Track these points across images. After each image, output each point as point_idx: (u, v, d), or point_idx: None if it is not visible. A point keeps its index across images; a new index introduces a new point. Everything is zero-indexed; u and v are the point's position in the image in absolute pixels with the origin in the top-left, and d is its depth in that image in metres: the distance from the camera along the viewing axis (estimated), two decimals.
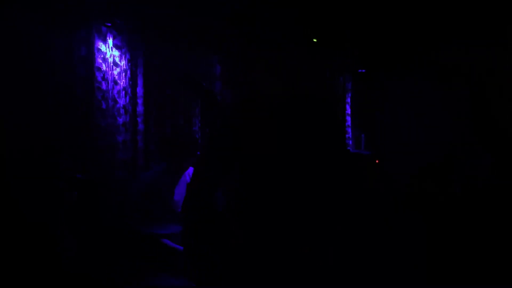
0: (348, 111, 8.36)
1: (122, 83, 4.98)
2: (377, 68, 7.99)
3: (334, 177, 2.18)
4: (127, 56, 5.07)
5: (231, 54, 6.22)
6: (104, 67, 4.77)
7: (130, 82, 5.12)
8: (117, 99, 4.92)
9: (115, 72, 4.90)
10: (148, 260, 4.38)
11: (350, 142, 8.25)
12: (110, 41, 4.86)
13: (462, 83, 7.06)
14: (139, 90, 5.24)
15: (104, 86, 4.78)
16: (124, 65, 5.03)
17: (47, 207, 4.06)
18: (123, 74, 5.01)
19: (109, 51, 4.83)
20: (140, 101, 5.24)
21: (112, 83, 4.86)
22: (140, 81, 5.25)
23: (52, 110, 4.44)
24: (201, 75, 5.99)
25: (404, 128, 7.85)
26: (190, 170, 4.46)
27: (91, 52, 4.67)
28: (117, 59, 4.93)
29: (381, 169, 6.45)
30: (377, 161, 6.37)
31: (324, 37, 6.78)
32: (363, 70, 8.25)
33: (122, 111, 4.98)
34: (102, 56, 4.76)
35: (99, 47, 4.73)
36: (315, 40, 7.17)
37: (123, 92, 5.00)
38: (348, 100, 8.39)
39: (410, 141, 7.67)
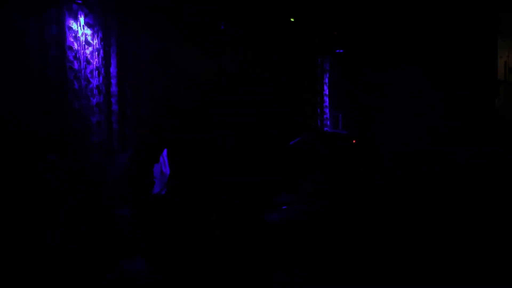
0: (326, 91, 8.35)
1: (95, 63, 4.85)
2: (356, 48, 7.98)
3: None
4: (100, 34, 4.93)
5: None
6: (75, 46, 4.63)
7: (103, 62, 4.99)
8: (90, 79, 4.79)
9: (88, 51, 4.76)
10: (124, 242, 4.34)
11: (328, 123, 8.26)
12: (82, 19, 4.72)
13: (448, 70, 7.15)
14: (113, 70, 5.11)
15: (76, 66, 4.65)
16: (97, 44, 4.89)
17: (22, 189, 3.97)
18: (96, 53, 4.87)
19: (80, 29, 4.69)
20: (114, 81, 5.11)
21: (85, 63, 4.73)
22: (113, 61, 5.12)
23: (23, 91, 4.30)
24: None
25: (387, 111, 7.90)
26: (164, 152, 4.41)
27: (62, 31, 4.52)
28: (89, 38, 4.79)
29: (359, 149, 6.49)
30: (354, 141, 6.39)
31: (302, 17, 6.73)
32: (341, 51, 8.22)
33: (95, 91, 4.86)
34: (73, 34, 4.62)
35: (70, 25, 4.59)
36: (292, 19, 7.10)
37: (96, 72, 4.87)
38: (326, 80, 8.38)
39: (391, 124, 7.74)
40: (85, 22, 4.74)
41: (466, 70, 6.89)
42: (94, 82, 4.84)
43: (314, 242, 4.02)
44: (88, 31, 4.79)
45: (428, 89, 7.39)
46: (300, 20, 6.66)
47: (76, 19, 4.63)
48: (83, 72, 4.71)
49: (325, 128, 8.15)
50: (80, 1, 4.62)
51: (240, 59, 6.40)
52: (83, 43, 4.70)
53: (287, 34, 6.93)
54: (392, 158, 6.38)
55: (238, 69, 6.33)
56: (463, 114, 6.91)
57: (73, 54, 4.61)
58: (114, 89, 5.12)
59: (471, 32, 6.85)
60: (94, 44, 4.84)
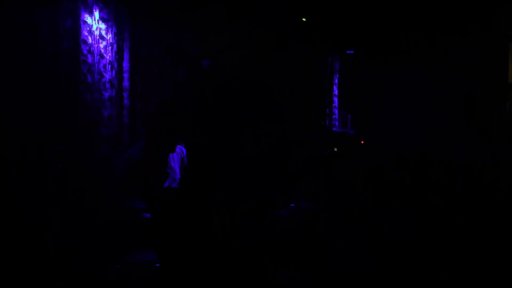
0: (336, 92, 8.36)
1: (108, 57, 4.90)
2: (364, 49, 7.99)
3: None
4: (114, 29, 4.99)
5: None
6: (90, 40, 4.68)
7: (117, 56, 5.04)
8: (103, 73, 4.85)
9: (101, 46, 4.81)
10: (134, 234, 4.40)
11: (337, 123, 8.28)
12: (97, 14, 4.77)
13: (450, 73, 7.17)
14: (125, 65, 5.17)
15: (90, 60, 4.70)
16: (111, 39, 4.94)
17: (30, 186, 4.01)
18: (110, 47, 4.93)
19: (95, 23, 4.74)
20: (126, 75, 5.17)
21: (98, 57, 4.78)
22: (126, 56, 5.18)
23: (35, 83, 4.35)
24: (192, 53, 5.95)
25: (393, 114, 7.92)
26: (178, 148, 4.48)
27: (77, 24, 4.56)
28: (103, 32, 4.84)
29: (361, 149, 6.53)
30: (362, 142, 6.42)
31: (313, 17, 6.76)
32: (352, 52, 8.23)
33: (108, 85, 4.91)
34: (88, 28, 4.67)
35: (85, 19, 4.63)
36: (304, 19, 7.14)
37: (109, 66, 4.93)
38: (336, 81, 8.38)
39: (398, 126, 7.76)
40: (99, 17, 4.79)
41: (469, 72, 6.91)
42: (107, 76, 4.89)
43: (315, 242, 4.02)
44: (103, 26, 4.83)
45: (428, 90, 7.42)
46: (310, 20, 6.69)
47: (91, 13, 4.68)
48: (96, 66, 4.76)
49: (334, 128, 8.17)
50: None
51: (251, 58, 6.44)
52: (97, 37, 4.75)
53: (297, 34, 6.95)
54: (392, 158, 6.40)
55: (247, 68, 6.37)
56: (464, 115, 6.93)
57: (87, 48, 4.66)
58: (126, 83, 5.18)
59: (478, 36, 6.85)
60: (108, 38, 4.89)
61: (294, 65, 7.30)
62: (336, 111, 8.33)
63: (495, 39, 6.82)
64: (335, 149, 6.34)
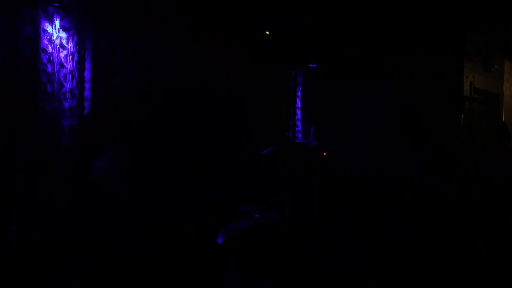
0: (299, 104, 8.47)
1: (69, 66, 4.84)
2: (327, 63, 8.15)
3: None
4: (75, 38, 4.93)
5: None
6: (50, 49, 4.61)
7: (78, 66, 4.98)
8: (64, 83, 4.77)
9: (62, 55, 4.74)
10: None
11: (300, 135, 8.38)
12: (57, 22, 4.70)
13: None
14: (87, 74, 5.10)
15: (49, 69, 4.62)
16: (72, 48, 4.88)
17: None
18: (70, 57, 4.86)
19: (55, 32, 4.67)
20: (87, 85, 5.10)
21: (59, 66, 4.70)
22: (88, 65, 5.11)
23: None
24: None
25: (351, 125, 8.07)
26: None
27: (37, 33, 4.49)
28: (64, 41, 4.77)
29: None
30: (324, 154, 6.52)
31: (277, 31, 6.86)
32: (314, 65, 8.37)
33: (68, 95, 4.83)
34: (48, 37, 4.60)
35: (45, 27, 4.56)
36: (267, 32, 7.23)
37: (70, 75, 4.86)
38: (299, 93, 8.50)
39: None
40: (60, 25, 4.73)
41: (427, 88, 7.14)
42: (68, 85, 4.82)
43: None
44: (63, 34, 4.77)
45: (388, 104, 7.59)
46: (274, 34, 6.80)
47: (51, 22, 4.62)
48: (56, 75, 4.69)
49: (297, 140, 8.27)
50: (56, 4, 4.62)
51: (218, 68, 6.48)
52: (58, 46, 4.68)
53: (261, 46, 7.05)
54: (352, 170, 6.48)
55: (216, 77, 6.40)
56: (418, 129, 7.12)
57: (47, 56, 4.58)
58: (87, 93, 5.11)
59: (437, 52, 7.11)
60: (69, 47, 4.83)
61: (261, 78, 7.38)
62: (299, 123, 8.44)
63: (452, 56, 7.10)
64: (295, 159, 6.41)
